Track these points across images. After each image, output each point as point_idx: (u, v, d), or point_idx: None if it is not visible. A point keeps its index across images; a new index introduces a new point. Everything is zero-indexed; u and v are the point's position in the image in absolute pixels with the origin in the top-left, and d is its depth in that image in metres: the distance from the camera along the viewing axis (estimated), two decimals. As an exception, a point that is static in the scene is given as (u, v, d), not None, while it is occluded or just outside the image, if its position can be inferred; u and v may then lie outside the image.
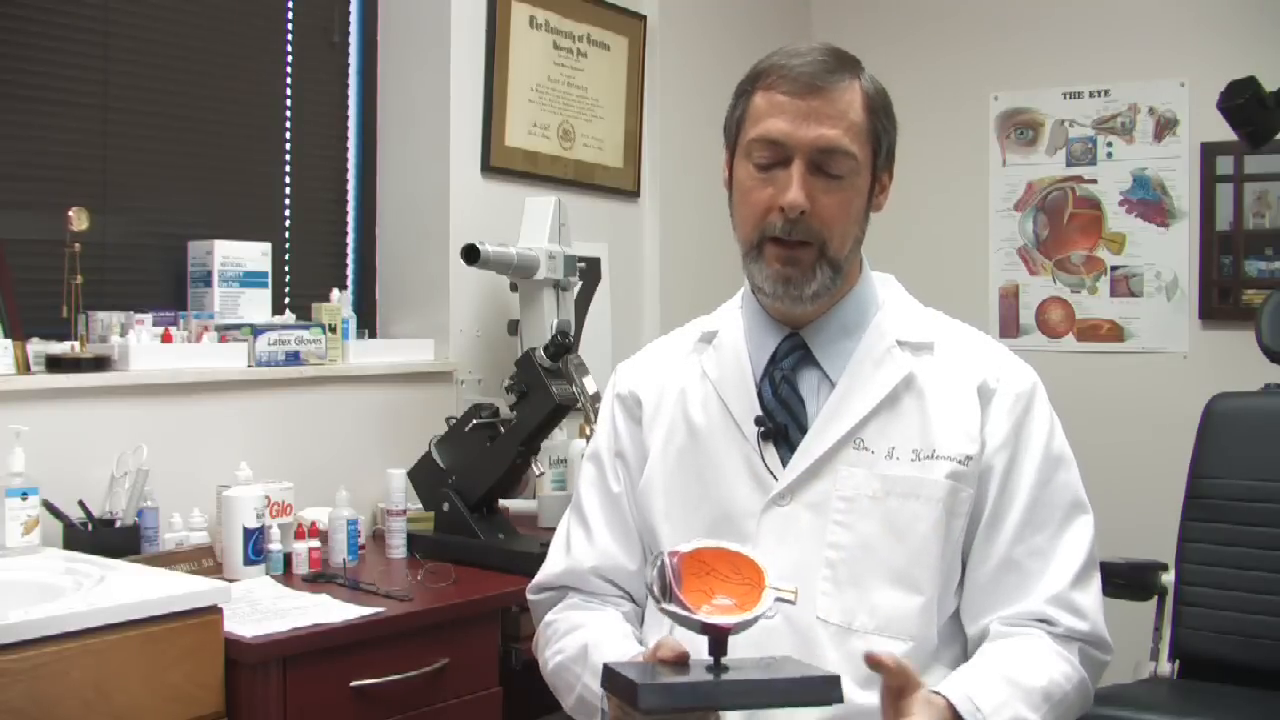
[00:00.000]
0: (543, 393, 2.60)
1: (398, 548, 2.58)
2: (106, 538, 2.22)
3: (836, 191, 1.40)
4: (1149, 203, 3.82)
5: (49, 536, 2.16)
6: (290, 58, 2.96)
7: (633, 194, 3.62)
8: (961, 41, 4.06)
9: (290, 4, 2.95)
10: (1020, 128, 4.01)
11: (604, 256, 3.49)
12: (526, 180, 3.23)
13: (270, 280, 2.72)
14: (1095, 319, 3.91)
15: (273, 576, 2.32)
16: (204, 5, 2.76)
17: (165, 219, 2.68)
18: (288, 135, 2.96)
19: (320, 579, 2.34)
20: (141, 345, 2.41)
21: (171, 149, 2.70)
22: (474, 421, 2.66)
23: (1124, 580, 2.85)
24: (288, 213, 2.96)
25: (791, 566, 1.39)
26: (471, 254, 2.79)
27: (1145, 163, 3.82)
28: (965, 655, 1.42)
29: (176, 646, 1.82)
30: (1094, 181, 3.90)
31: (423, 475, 2.67)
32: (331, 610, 2.11)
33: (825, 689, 1.19)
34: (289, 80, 2.96)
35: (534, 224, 3.00)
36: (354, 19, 3.11)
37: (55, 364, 2.30)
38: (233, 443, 2.52)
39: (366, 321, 3.08)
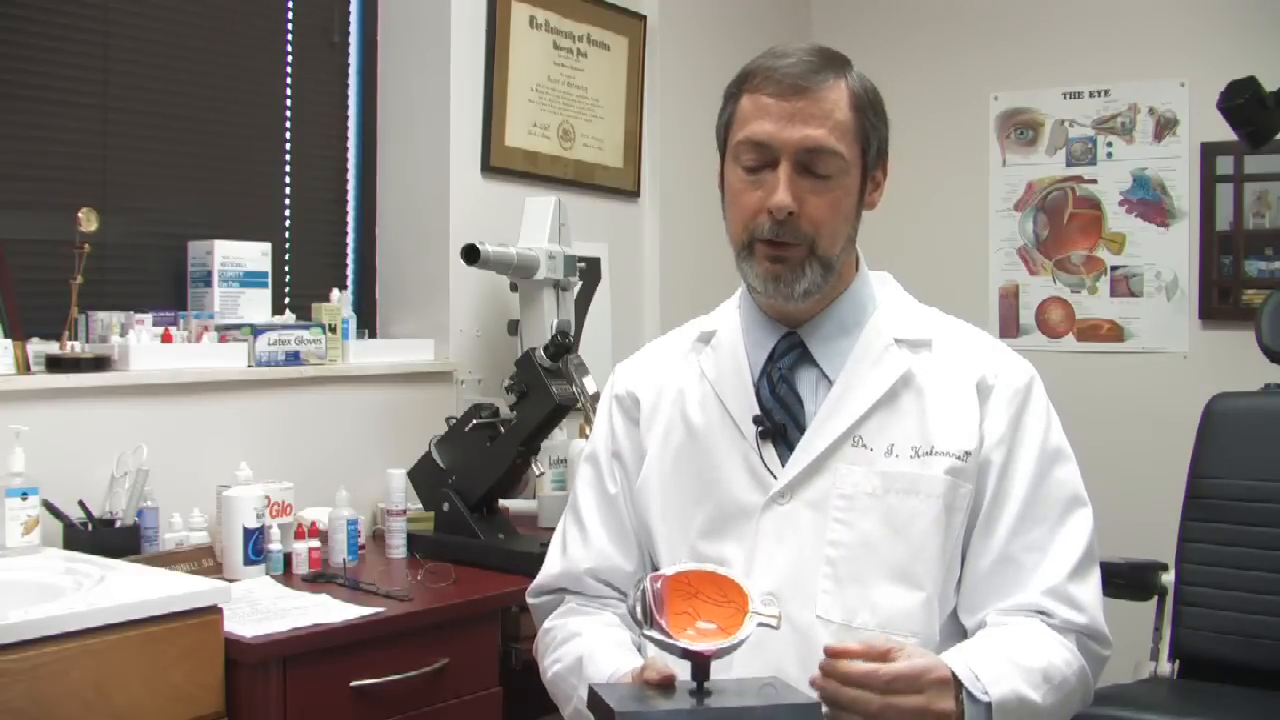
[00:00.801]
0: (543, 393, 2.60)
1: (398, 548, 2.58)
2: (106, 538, 2.22)
3: (825, 192, 1.40)
4: (1149, 203, 3.82)
5: (49, 536, 2.16)
6: (290, 58, 2.96)
7: (633, 194, 3.62)
8: (961, 41, 4.06)
9: (290, 4, 2.95)
10: (1020, 128, 4.01)
11: (604, 256, 3.49)
12: (526, 180, 3.23)
13: (270, 280, 2.72)
14: (1095, 319, 3.90)
15: (273, 576, 2.33)
16: (204, 5, 2.77)
17: (165, 219, 2.69)
18: (288, 135, 2.96)
19: (320, 579, 2.34)
20: (141, 345, 2.41)
21: (171, 149, 2.70)
22: (474, 421, 2.66)
23: (1124, 580, 2.85)
24: (288, 213, 2.96)
25: (791, 565, 1.39)
26: (471, 254, 2.79)
27: (1145, 163, 3.82)
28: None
29: (176, 646, 1.83)
30: (1094, 181, 3.90)
31: (423, 475, 2.68)
32: (331, 610, 2.11)
33: (804, 718, 1.19)
34: (289, 80, 2.96)
35: (534, 224, 3.01)
36: (354, 19, 3.11)
37: (55, 364, 2.30)
38: (233, 443, 2.53)
39: (366, 321, 3.08)
